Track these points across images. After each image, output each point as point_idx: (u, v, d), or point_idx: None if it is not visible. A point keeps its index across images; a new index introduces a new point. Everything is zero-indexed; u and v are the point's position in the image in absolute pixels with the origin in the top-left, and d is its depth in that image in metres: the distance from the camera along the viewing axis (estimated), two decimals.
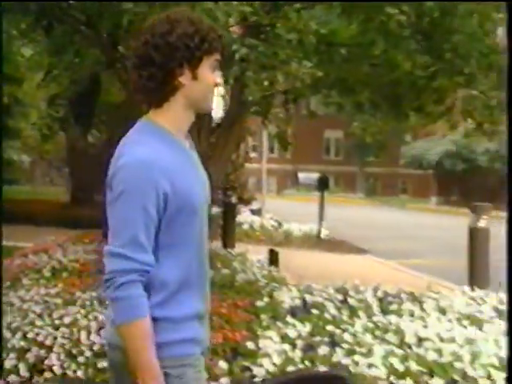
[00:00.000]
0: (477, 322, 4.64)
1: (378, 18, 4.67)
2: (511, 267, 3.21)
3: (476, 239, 6.36)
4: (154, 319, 1.65)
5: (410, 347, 3.97)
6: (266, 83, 3.67)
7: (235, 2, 3.04)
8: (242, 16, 3.26)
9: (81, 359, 3.71)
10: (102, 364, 3.63)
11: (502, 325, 4.64)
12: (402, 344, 4.02)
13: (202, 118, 5.68)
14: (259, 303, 4.74)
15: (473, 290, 5.75)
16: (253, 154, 23.28)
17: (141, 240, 1.64)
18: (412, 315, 4.66)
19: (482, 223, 6.31)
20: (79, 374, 3.61)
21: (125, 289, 1.61)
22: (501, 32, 5.25)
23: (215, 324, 4.01)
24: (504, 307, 5.19)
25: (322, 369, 1.84)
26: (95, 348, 3.79)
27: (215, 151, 5.50)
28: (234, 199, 10.24)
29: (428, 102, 6.07)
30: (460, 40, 4.40)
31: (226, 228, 9.49)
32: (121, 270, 1.61)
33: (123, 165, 1.66)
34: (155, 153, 1.67)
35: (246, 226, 12.75)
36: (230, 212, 9.82)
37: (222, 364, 3.62)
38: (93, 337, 3.90)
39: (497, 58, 4.99)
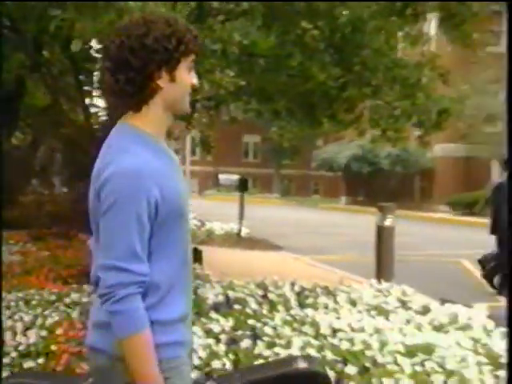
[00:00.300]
0: (383, 313, 4.77)
1: (294, 31, 4.74)
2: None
3: (382, 236, 6.56)
4: None
5: (325, 338, 4.04)
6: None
7: (163, 11, 2.99)
8: None
9: (6, 360, 3.55)
10: (28, 364, 3.51)
11: (406, 314, 4.80)
12: (317, 335, 4.08)
13: None
14: None
15: (379, 282, 5.90)
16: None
17: (137, 250, 1.55)
18: (326, 308, 4.74)
19: (387, 222, 6.51)
20: (4, 374, 3.45)
21: (124, 303, 1.53)
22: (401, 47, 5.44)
23: None
24: (407, 298, 5.38)
25: (301, 363, 1.77)
26: (21, 348, 3.65)
27: None
28: None
29: (339, 111, 6.20)
30: (368, 54, 4.52)
31: None
32: (119, 284, 1.53)
33: (112, 175, 1.55)
34: (143, 160, 1.58)
35: None
36: None
37: None
38: (18, 337, 3.74)
39: (400, 72, 5.17)
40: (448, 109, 5.71)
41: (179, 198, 1.65)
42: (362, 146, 28.88)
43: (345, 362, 3.72)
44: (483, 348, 4.13)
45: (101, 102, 7.35)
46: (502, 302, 7.71)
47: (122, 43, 1.58)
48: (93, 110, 8.67)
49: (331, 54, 4.46)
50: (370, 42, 4.36)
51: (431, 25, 7.66)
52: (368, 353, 3.82)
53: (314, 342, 3.89)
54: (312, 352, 3.73)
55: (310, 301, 4.91)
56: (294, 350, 3.74)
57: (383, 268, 6.54)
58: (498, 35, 25.56)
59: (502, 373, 3.78)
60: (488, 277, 8.27)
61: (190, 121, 7.06)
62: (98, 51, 5.23)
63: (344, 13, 4.05)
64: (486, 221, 23.95)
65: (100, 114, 8.09)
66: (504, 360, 3.92)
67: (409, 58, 5.83)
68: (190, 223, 1.76)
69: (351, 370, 3.62)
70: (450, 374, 3.67)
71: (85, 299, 4.65)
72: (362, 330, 4.19)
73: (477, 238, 16.38)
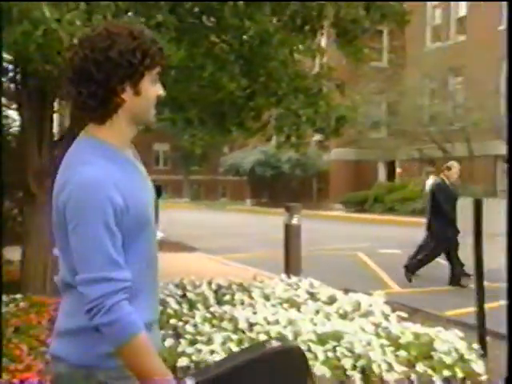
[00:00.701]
0: (295, 305, 4.79)
1: (203, 44, 4.67)
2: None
3: (290, 234, 6.60)
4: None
5: (243, 332, 3.99)
6: None
7: (79, 23, 2.83)
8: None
9: None
10: None
11: (315, 305, 4.85)
12: (236, 330, 4.02)
13: (43, 132, 5.27)
14: None
15: (289, 277, 5.93)
16: None
17: (113, 258, 1.44)
18: (243, 303, 4.70)
19: (294, 220, 6.57)
20: None
21: (114, 311, 1.40)
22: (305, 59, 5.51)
23: None
24: (315, 290, 5.44)
25: (274, 343, 1.68)
26: None
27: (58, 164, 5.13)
28: None
29: (247, 119, 6.19)
30: (274, 66, 4.53)
31: None
32: (105, 294, 1.40)
33: (74, 188, 1.44)
34: (104, 171, 1.46)
35: None
36: None
37: None
38: None
39: (302, 82, 5.22)
40: (345, 116, 5.84)
41: (144, 208, 1.55)
42: (265, 151, 29.25)
43: None
44: (384, 331, 4.24)
45: (14, 114, 6.91)
46: (395, 288, 8.03)
47: (85, 56, 1.46)
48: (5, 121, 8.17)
49: (240, 65, 4.43)
50: (275, 55, 4.37)
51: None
52: None
53: (234, 337, 3.83)
54: (232, 346, 3.67)
55: (227, 298, 4.84)
56: (216, 346, 3.66)
57: (292, 263, 6.60)
58: (380, 52, 26.70)
59: (402, 352, 3.90)
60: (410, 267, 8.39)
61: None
62: (10, 62, 4.91)
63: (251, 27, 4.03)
64: (376, 216, 24.88)
65: (12, 125, 7.63)
66: (403, 340, 4.05)
67: (308, 70, 5.92)
68: (155, 232, 1.65)
69: None
70: (358, 357, 3.73)
71: None
72: (277, 322, 4.18)
73: (368, 232, 17.03)
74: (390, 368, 3.65)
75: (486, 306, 4.50)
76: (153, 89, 1.55)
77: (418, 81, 23.41)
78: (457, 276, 8.04)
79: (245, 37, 4.17)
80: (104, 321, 1.40)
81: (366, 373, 3.60)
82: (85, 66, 1.46)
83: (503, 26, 23.41)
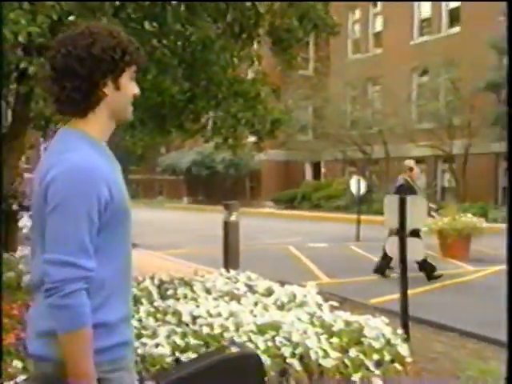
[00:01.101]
0: (235, 297, 4.72)
1: (145, 49, 4.51)
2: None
3: (229, 230, 6.53)
4: (92, 325, 1.39)
5: (187, 325, 3.88)
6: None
7: (23, 22, 2.64)
8: (28, 36, 2.84)
9: None
10: None
11: (253, 297, 4.79)
12: (180, 323, 3.90)
13: None
14: None
15: (228, 271, 5.85)
16: (26, 166, 21.46)
17: (86, 246, 1.39)
18: (186, 297, 4.58)
19: (233, 217, 6.50)
20: None
21: (72, 297, 1.35)
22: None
23: (7, 325, 3.49)
24: (253, 283, 5.39)
25: (234, 349, 1.64)
26: None
27: None
28: (15, 206, 9.23)
29: (187, 121, 6.07)
30: (215, 71, 4.44)
31: (8, 233, 8.49)
32: (69, 279, 1.35)
33: (61, 172, 1.39)
34: (92, 159, 1.43)
35: (25, 231, 11.61)
36: (11, 218, 8.82)
37: (17, 363, 3.16)
38: None
39: (240, 87, 5.16)
40: (280, 119, 5.83)
41: (124, 200, 1.51)
42: (201, 152, 29.03)
43: (207, 345, 3.59)
44: (318, 320, 4.24)
45: None
46: (324, 279, 8.12)
47: (68, 52, 1.46)
48: None
49: (183, 69, 4.31)
50: (217, 60, 4.28)
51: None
52: (226, 335, 3.73)
53: (178, 330, 3.71)
54: (177, 339, 3.56)
55: (170, 292, 4.70)
56: (161, 339, 3.54)
57: (230, 258, 6.53)
58: (307, 61, 27.07)
59: (335, 339, 3.91)
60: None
61: (45, 130, 6.48)
62: None
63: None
64: (304, 213, 25.14)
65: None
66: (334, 327, 4.07)
67: (244, 75, 5.87)
68: (131, 226, 1.58)
69: None
70: (296, 345, 3.70)
71: None
72: (219, 314, 4.09)
73: (297, 227, 17.22)
74: (326, 354, 3.65)
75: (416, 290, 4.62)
76: (130, 86, 1.55)
77: (341, 88, 23.93)
78: (383, 266, 8.17)
79: (187, 42, 4.06)
80: (59, 303, 1.35)
81: (304, 360, 3.58)
82: (68, 62, 1.46)
83: (414, 41, 24.31)
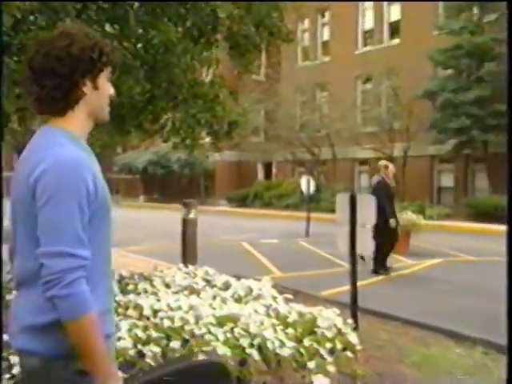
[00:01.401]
0: (194, 291, 4.67)
1: None
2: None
3: (188, 227, 6.47)
4: None
5: (148, 319, 3.81)
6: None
7: None
8: None
9: None
10: None
11: (212, 291, 4.76)
12: (141, 317, 3.83)
13: None
14: None
15: (186, 266, 5.79)
16: None
17: (81, 236, 1.37)
18: (146, 292, 4.50)
19: (191, 215, 6.43)
20: None
21: (74, 286, 1.33)
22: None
23: None
24: (210, 278, 5.35)
25: (201, 356, 1.63)
26: None
27: None
28: None
29: (146, 121, 5.97)
30: (176, 73, 4.37)
31: None
32: (69, 269, 1.33)
33: (51, 166, 1.37)
34: (78, 153, 1.42)
35: None
36: None
37: None
38: None
39: (201, 89, 5.11)
40: (237, 121, 5.81)
41: (107, 196, 1.49)
42: (156, 152, 28.64)
43: (168, 338, 3.54)
44: (273, 312, 4.25)
45: None
46: (277, 273, 8.17)
47: (47, 53, 1.44)
48: None
49: (145, 70, 4.22)
50: (178, 62, 4.22)
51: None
52: (187, 327, 3.68)
53: (139, 323, 3.64)
54: (138, 332, 3.49)
55: (130, 287, 4.60)
56: (123, 333, 3.46)
57: (189, 254, 6.46)
58: (259, 66, 27.16)
59: (290, 330, 3.94)
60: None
61: (1, 128, 6.23)
62: None
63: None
64: (256, 211, 25.11)
65: None
66: (290, 318, 4.09)
67: (203, 78, 5.81)
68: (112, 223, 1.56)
69: (175, 344, 3.45)
70: (254, 336, 3.70)
71: None
72: (179, 308, 4.03)
73: (250, 224, 17.25)
74: (282, 344, 3.66)
75: (360, 283, 4.70)
76: (107, 86, 1.54)
77: (291, 93, 24.15)
78: (379, 266, 8.14)
79: (149, 45, 3.98)
80: (62, 293, 1.33)
81: (262, 350, 3.58)
82: (47, 62, 1.44)
83: (359, 51, 24.81)
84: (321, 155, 23.76)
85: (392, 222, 8.01)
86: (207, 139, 6.38)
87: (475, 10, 19.31)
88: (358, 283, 7.13)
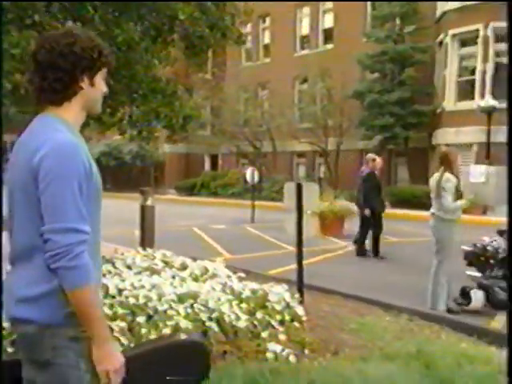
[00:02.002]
0: (155, 272, 4.65)
1: None
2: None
3: (146, 214, 6.38)
4: None
5: (113, 297, 3.76)
6: None
7: None
8: None
9: None
10: None
11: (171, 271, 4.75)
12: (107, 295, 3.78)
13: None
14: None
15: (145, 249, 5.73)
16: None
17: (83, 213, 1.40)
18: (110, 273, 4.43)
19: (149, 202, 6.35)
20: None
21: (80, 258, 1.36)
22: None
23: None
24: (169, 259, 5.33)
25: (182, 336, 1.59)
26: None
27: None
28: None
29: (105, 114, 5.82)
30: (137, 69, 4.30)
31: None
32: (74, 243, 1.36)
33: (51, 150, 1.38)
34: (74, 139, 1.45)
35: None
36: None
37: None
38: None
39: (159, 85, 5.05)
40: (191, 115, 5.78)
41: (99, 178, 1.51)
42: (109, 144, 27.82)
43: (134, 314, 3.52)
44: (229, 289, 4.31)
45: None
46: (227, 255, 8.22)
47: (52, 48, 1.47)
48: None
49: None
50: (140, 60, 4.15)
51: None
52: (150, 304, 3.68)
53: (106, 301, 3.59)
54: (105, 309, 3.44)
55: None
56: None
57: (147, 238, 6.38)
58: (206, 64, 26.89)
59: (244, 305, 4.01)
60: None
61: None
62: None
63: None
64: (204, 199, 24.95)
65: None
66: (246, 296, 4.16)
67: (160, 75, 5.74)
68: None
69: (140, 319, 3.45)
70: (212, 311, 3.75)
71: None
72: (142, 287, 4.01)
73: (199, 212, 17.18)
74: (238, 317, 3.74)
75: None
76: (102, 84, 1.57)
77: (235, 91, 24.10)
78: (362, 249, 8.27)
79: (113, 42, 3.88)
80: (69, 264, 1.35)
81: (220, 323, 3.63)
82: (51, 57, 1.47)
83: (297, 54, 25.10)
84: (262, 148, 23.95)
85: (367, 211, 7.98)
86: (162, 132, 6.30)
87: (397, 21, 19.97)
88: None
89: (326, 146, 21.27)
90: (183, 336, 1.68)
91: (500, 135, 16.28)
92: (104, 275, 4.29)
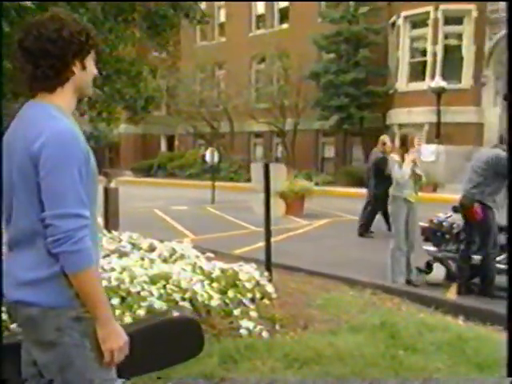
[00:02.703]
0: (124, 254, 4.63)
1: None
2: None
3: (109, 196, 6.29)
4: None
5: None
6: None
7: None
8: None
9: None
10: None
11: (139, 253, 4.74)
12: None
13: None
14: None
15: (110, 232, 5.68)
16: None
17: (83, 198, 1.42)
18: None
19: (112, 184, 6.26)
20: None
21: (82, 242, 1.39)
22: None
23: None
24: (135, 241, 5.30)
25: (174, 313, 1.61)
26: None
27: None
28: None
29: None
30: (102, 50, 4.20)
31: None
32: (77, 228, 1.38)
33: (51, 136, 1.39)
34: (72, 125, 1.46)
35: None
36: None
37: None
38: None
39: (124, 65, 4.96)
40: (153, 96, 5.71)
41: (94, 163, 1.52)
42: None
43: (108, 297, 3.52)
44: (199, 269, 4.37)
45: None
46: (191, 236, 8.23)
47: (40, 35, 1.45)
48: None
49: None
50: (104, 40, 4.05)
51: None
52: (122, 286, 3.69)
53: None
54: None
55: None
56: None
57: (111, 220, 6.30)
58: (168, 44, 26.23)
59: (216, 284, 4.08)
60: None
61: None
62: None
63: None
64: (161, 180, 24.62)
65: None
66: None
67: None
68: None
69: (114, 301, 3.46)
70: (184, 291, 3.80)
71: None
72: (113, 269, 4.00)
73: (157, 193, 16.99)
74: (210, 296, 3.81)
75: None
76: (92, 66, 1.57)
77: (191, 71, 23.74)
78: (364, 229, 8.39)
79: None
80: (71, 249, 1.38)
81: (193, 302, 3.69)
82: (40, 43, 1.45)
83: (253, 33, 24.93)
84: (220, 129, 23.83)
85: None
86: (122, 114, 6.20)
87: (351, 2, 20.16)
88: (261, 243, 7.42)
89: (284, 126, 21.43)
90: (175, 313, 1.72)
91: (449, 115, 16.96)
92: None
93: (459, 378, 2.89)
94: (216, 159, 13.42)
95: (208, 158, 13.40)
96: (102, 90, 5.47)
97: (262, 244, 7.37)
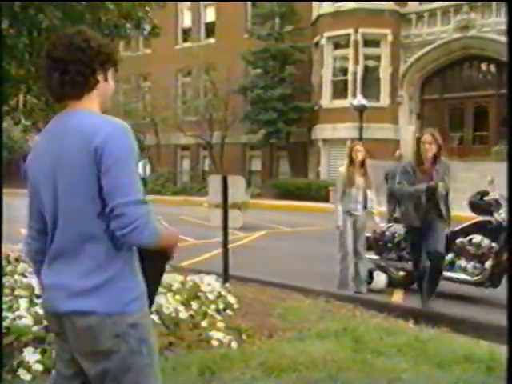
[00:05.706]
0: None
1: None
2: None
3: None
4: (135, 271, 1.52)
5: (39, 296, 3.55)
6: None
7: None
8: None
9: None
10: None
11: None
12: (32, 295, 3.56)
13: None
14: None
15: None
16: None
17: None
18: (31, 273, 4.13)
19: None
20: None
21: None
22: None
23: None
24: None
25: None
26: None
27: None
28: None
29: None
30: None
31: None
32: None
33: (112, 132, 1.45)
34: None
35: None
36: None
37: None
38: None
39: None
40: None
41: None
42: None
43: None
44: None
45: None
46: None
47: (70, 44, 1.52)
48: None
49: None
50: None
51: None
52: None
53: (37, 301, 3.39)
54: (37, 310, 3.25)
55: (10, 268, 4.17)
56: (22, 311, 3.21)
57: None
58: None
59: (178, 296, 4.04)
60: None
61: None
62: None
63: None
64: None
65: None
66: None
67: None
68: None
69: None
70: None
71: None
72: None
73: None
74: (176, 309, 3.77)
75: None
76: (113, 81, 1.64)
77: (114, 82, 23.10)
78: None
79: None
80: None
81: (160, 315, 3.64)
82: (70, 52, 1.51)
83: (180, 46, 24.88)
84: (146, 141, 23.39)
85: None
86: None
87: (277, 21, 20.86)
88: (204, 255, 7.40)
89: (211, 139, 21.52)
90: None
91: (370, 131, 18.02)
92: (25, 276, 4.01)
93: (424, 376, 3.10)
94: (148, 172, 13.18)
95: (140, 170, 13.13)
96: (39, 98, 5.26)
97: (207, 255, 7.38)
